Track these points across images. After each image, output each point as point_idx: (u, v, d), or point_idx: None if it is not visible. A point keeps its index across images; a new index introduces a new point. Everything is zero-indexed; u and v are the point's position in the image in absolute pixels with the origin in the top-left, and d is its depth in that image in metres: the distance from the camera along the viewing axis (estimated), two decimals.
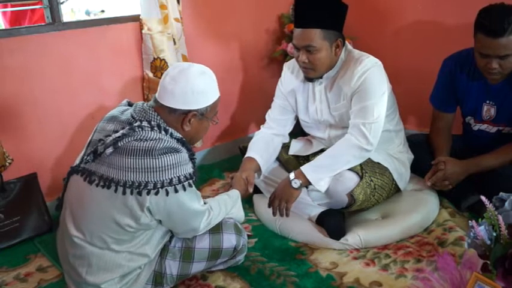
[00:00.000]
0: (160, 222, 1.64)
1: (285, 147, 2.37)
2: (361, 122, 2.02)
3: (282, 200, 2.03)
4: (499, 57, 1.96)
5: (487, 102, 2.19)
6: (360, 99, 2.04)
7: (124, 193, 1.52)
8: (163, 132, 1.58)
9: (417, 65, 2.93)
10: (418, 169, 2.33)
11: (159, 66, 2.53)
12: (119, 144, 1.54)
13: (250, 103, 3.13)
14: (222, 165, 2.94)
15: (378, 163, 2.15)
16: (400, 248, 2.00)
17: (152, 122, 1.59)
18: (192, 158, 1.64)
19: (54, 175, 2.41)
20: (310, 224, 2.13)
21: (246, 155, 2.23)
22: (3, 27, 3.31)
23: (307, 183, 2.03)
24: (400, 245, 2.03)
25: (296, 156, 2.36)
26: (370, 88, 2.03)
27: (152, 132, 1.56)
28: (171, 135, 1.60)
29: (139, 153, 1.52)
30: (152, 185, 1.51)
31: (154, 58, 2.54)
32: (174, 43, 2.56)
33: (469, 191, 2.19)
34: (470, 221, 1.38)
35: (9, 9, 3.33)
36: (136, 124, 1.57)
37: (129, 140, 1.54)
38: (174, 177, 1.54)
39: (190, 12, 2.72)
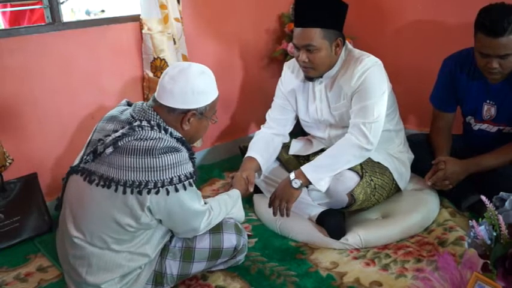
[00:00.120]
0: (160, 222, 1.64)
1: (285, 147, 2.37)
2: (362, 122, 2.02)
3: (282, 200, 2.03)
4: (499, 56, 1.96)
5: (487, 101, 2.19)
6: (360, 99, 2.04)
7: (124, 192, 1.52)
8: (163, 132, 1.58)
9: (417, 64, 2.93)
10: (419, 169, 2.33)
11: (159, 66, 2.53)
12: (119, 144, 1.54)
13: (250, 103, 3.12)
14: (222, 165, 2.94)
15: (378, 163, 2.15)
16: (400, 248, 2.00)
17: (152, 122, 1.59)
18: (191, 157, 1.64)
19: (54, 175, 2.41)
20: (310, 224, 2.13)
21: (247, 155, 2.23)
22: (2, 27, 3.31)
23: (307, 183, 2.03)
24: (401, 244, 2.03)
25: (296, 156, 2.36)
26: (370, 87, 2.03)
27: (152, 131, 1.56)
28: (171, 134, 1.60)
29: (140, 153, 1.52)
30: (153, 184, 1.51)
31: (154, 58, 2.54)
32: (174, 43, 2.56)
33: (469, 191, 2.19)
34: (470, 221, 1.38)
35: (9, 9, 3.33)
36: (136, 124, 1.57)
37: (129, 139, 1.54)
38: (175, 176, 1.54)
39: (191, 12, 2.72)
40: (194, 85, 1.60)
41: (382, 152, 2.19)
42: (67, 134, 2.43)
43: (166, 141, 1.55)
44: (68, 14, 3.66)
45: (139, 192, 1.51)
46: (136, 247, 1.62)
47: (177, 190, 1.54)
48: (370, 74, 2.04)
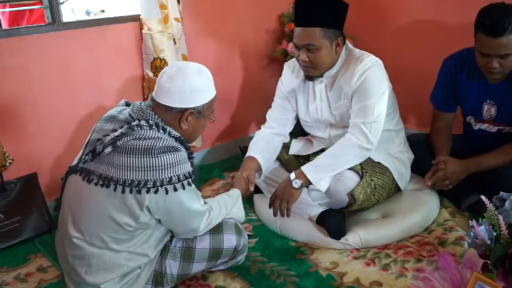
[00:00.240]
0: (159, 222, 1.64)
1: (286, 147, 2.37)
2: (362, 121, 2.02)
3: (282, 200, 2.02)
4: (499, 56, 1.96)
5: (488, 101, 2.19)
6: (360, 99, 2.04)
7: (123, 192, 1.52)
8: (161, 131, 1.58)
9: (417, 64, 2.93)
10: (419, 169, 2.33)
11: (159, 66, 2.53)
12: (118, 144, 1.54)
13: (251, 103, 3.12)
14: (222, 165, 2.94)
15: (378, 163, 2.15)
16: (400, 248, 2.00)
17: (150, 121, 1.59)
18: (190, 157, 1.64)
19: (54, 175, 2.41)
20: (310, 224, 2.13)
21: (247, 155, 2.23)
22: (1, 27, 3.31)
23: (307, 183, 2.03)
24: (401, 244, 2.03)
25: (296, 156, 2.36)
26: (370, 87, 2.03)
27: (151, 131, 1.56)
28: (169, 134, 1.60)
29: (139, 152, 1.52)
30: (152, 183, 1.51)
31: (154, 58, 2.54)
32: (174, 43, 2.56)
33: (469, 191, 2.19)
34: (470, 221, 1.38)
35: (9, 9, 3.33)
36: (134, 123, 1.58)
37: (128, 139, 1.54)
38: (174, 175, 1.54)
39: (191, 12, 2.72)
40: (192, 84, 1.60)
41: (382, 152, 2.19)
42: (67, 134, 2.43)
43: (165, 140, 1.55)
44: (68, 14, 3.66)
45: (138, 192, 1.51)
46: (136, 247, 1.62)
47: (176, 189, 1.54)
48: (371, 73, 2.04)
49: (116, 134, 1.56)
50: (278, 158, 2.34)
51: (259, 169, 2.20)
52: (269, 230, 2.22)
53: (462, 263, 1.40)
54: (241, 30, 3.00)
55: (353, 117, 2.06)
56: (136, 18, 2.54)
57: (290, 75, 2.27)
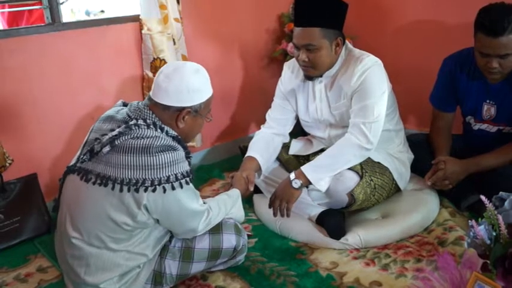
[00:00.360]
0: (158, 222, 1.64)
1: (285, 147, 2.37)
2: (361, 121, 2.02)
3: (282, 201, 2.02)
4: (499, 56, 1.96)
5: (487, 101, 2.19)
6: (360, 98, 2.04)
7: (121, 190, 1.52)
8: (159, 130, 1.59)
9: (417, 64, 2.93)
10: (418, 169, 2.33)
11: (158, 66, 2.52)
12: (116, 143, 1.54)
13: (250, 103, 3.12)
14: (222, 165, 2.94)
15: (378, 163, 2.15)
16: (400, 248, 2.00)
17: (148, 120, 1.60)
18: (188, 156, 1.65)
19: (54, 175, 2.40)
20: (310, 224, 2.13)
21: (247, 155, 2.23)
22: (1, 27, 3.31)
23: (307, 183, 2.03)
24: (400, 244, 2.03)
25: (296, 156, 2.36)
26: (370, 87, 2.03)
27: (148, 130, 1.57)
28: (167, 133, 1.61)
29: (137, 151, 1.52)
30: (149, 182, 1.52)
31: (154, 58, 2.54)
32: (174, 43, 2.56)
33: (469, 191, 2.19)
34: (470, 221, 1.38)
35: (9, 9, 3.33)
36: (132, 122, 1.58)
37: (126, 138, 1.55)
38: (171, 174, 1.54)
39: (190, 12, 2.72)
40: (189, 83, 1.61)
41: (382, 151, 2.19)
42: (67, 134, 2.43)
43: (162, 139, 1.56)
44: (67, 14, 3.65)
45: (136, 190, 1.52)
46: (134, 246, 1.62)
47: (173, 188, 1.55)
48: (370, 73, 2.04)
49: (114, 133, 1.57)
50: (278, 158, 2.34)
51: (258, 169, 2.20)
52: (269, 230, 2.22)
53: (462, 263, 1.40)
54: (241, 31, 3.00)
55: (353, 117, 2.06)
56: (136, 19, 2.54)
57: (290, 75, 2.27)
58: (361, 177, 2.05)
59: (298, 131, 2.48)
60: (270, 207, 2.08)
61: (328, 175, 2.03)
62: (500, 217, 1.31)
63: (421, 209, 2.16)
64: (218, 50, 2.92)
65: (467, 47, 2.19)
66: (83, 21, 2.75)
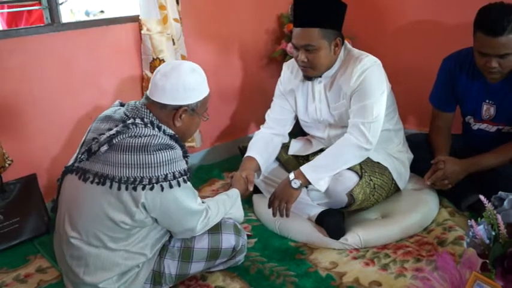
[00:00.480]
0: (156, 221, 1.64)
1: (285, 147, 2.37)
2: (361, 121, 2.02)
3: (282, 201, 2.02)
4: (498, 56, 1.96)
5: (487, 101, 2.19)
6: (359, 99, 2.04)
7: (119, 189, 1.53)
8: (156, 129, 1.60)
9: (417, 64, 2.93)
10: (418, 169, 2.33)
11: (158, 67, 2.52)
12: (114, 142, 1.55)
13: (250, 103, 3.12)
14: (221, 165, 2.94)
15: (378, 162, 2.15)
16: (399, 248, 2.00)
17: (145, 119, 1.61)
18: (185, 155, 1.65)
19: (53, 176, 2.40)
20: (309, 224, 2.13)
21: (246, 155, 2.23)
22: (0, 28, 3.31)
23: (307, 183, 2.03)
24: (400, 244, 2.03)
25: (296, 156, 2.36)
26: (369, 87, 2.03)
27: (146, 128, 1.58)
28: (164, 132, 1.61)
29: (135, 150, 1.53)
30: (147, 180, 1.52)
31: (153, 58, 2.54)
32: (173, 43, 2.56)
33: (468, 190, 2.19)
34: (469, 220, 1.38)
35: (8, 10, 3.33)
36: (129, 121, 1.59)
37: (124, 137, 1.55)
38: (169, 173, 1.55)
39: (190, 12, 2.72)
40: (186, 82, 1.62)
41: (382, 151, 2.19)
42: (67, 134, 2.43)
43: (160, 138, 1.57)
44: (67, 14, 3.66)
45: (134, 189, 1.52)
46: (132, 245, 1.62)
47: (171, 186, 1.55)
48: (369, 73, 2.04)
49: (112, 132, 1.57)
50: (277, 158, 2.34)
51: (258, 169, 2.20)
52: (268, 230, 2.22)
53: (461, 263, 1.40)
54: (240, 31, 3.00)
55: (352, 117, 2.06)
56: (135, 19, 2.54)
57: (289, 75, 2.27)
58: (360, 177, 2.05)
59: (297, 131, 2.48)
60: (269, 207, 2.08)
61: (328, 175, 2.03)
62: (499, 217, 1.31)
63: (420, 209, 2.16)
64: (217, 50, 2.91)
65: (466, 47, 2.19)
66: (83, 21, 2.75)
